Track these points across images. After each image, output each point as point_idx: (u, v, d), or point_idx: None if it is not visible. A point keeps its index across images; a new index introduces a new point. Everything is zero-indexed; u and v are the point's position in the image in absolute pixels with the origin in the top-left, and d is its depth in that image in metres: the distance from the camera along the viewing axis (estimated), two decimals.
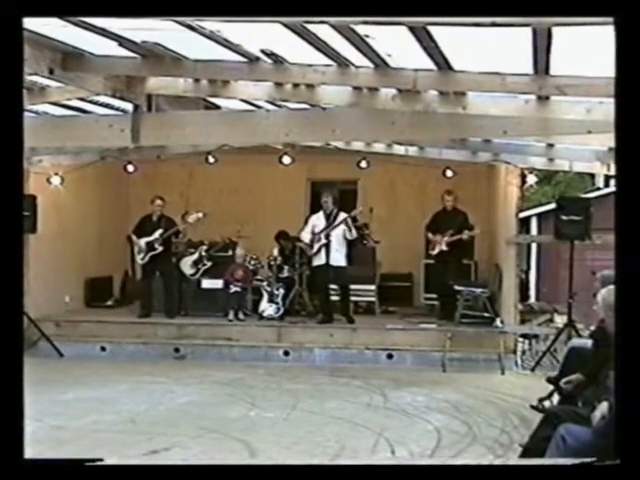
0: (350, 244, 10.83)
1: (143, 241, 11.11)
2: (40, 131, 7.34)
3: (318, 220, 10.84)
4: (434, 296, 11.67)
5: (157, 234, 11.05)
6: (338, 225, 10.56)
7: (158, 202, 11.26)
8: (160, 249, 11.07)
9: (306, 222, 11.14)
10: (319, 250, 10.60)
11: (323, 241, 10.55)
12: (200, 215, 11.09)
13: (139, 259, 11.26)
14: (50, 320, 10.82)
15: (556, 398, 6.09)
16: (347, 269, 10.77)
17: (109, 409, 7.47)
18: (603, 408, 3.98)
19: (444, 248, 10.84)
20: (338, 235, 10.58)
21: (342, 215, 10.73)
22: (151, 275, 11.35)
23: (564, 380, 5.60)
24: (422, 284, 12.21)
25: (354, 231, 10.66)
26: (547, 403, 6.18)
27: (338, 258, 10.58)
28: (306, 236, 10.84)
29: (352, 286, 11.23)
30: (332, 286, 10.89)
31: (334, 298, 10.94)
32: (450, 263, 10.89)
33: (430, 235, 11.14)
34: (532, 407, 6.68)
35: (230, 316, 10.81)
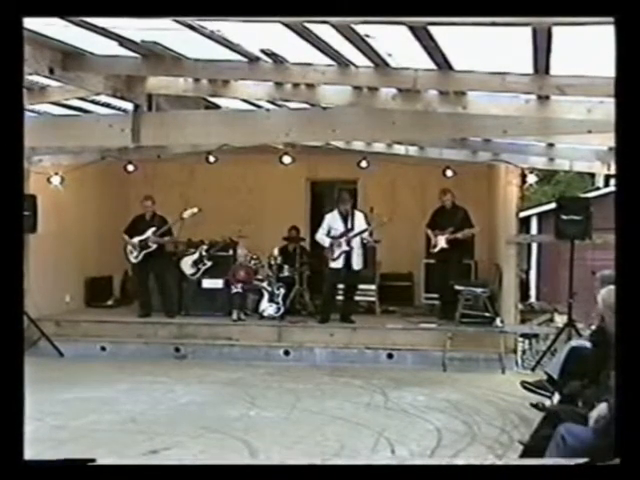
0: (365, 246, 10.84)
1: (136, 240, 11.13)
2: (40, 131, 7.34)
3: (334, 221, 10.75)
4: (434, 296, 11.67)
5: (150, 232, 11.07)
6: (360, 234, 10.55)
7: (146, 203, 11.32)
8: (154, 247, 11.09)
9: (317, 222, 11.05)
10: (339, 255, 10.56)
11: (345, 248, 10.51)
12: (195, 210, 11.08)
13: (132, 258, 11.27)
14: (50, 320, 10.83)
15: (557, 398, 6.10)
16: (362, 271, 10.80)
17: (109, 409, 7.47)
18: (601, 409, 3.98)
19: (444, 246, 10.83)
20: (357, 240, 10.59)
21: (358, 215, 10.72)
22: (146, 274, 11.36)
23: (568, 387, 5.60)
24: (422, 284, 12.22)
25: (372, 239, 10.71)
26: (547, 402, 6.19)
27: (358, 262, 10.60)
28: (324, 239, 10.73)
29: None
30: (339, 286, 10.92)
31: (338, 298, 10.96)
32: (451, 262, 10.88)
33: (430, 232, 11.13)
34: (532, 405, 6.70)
35: (234, 316, 10.81)
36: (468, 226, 10.89)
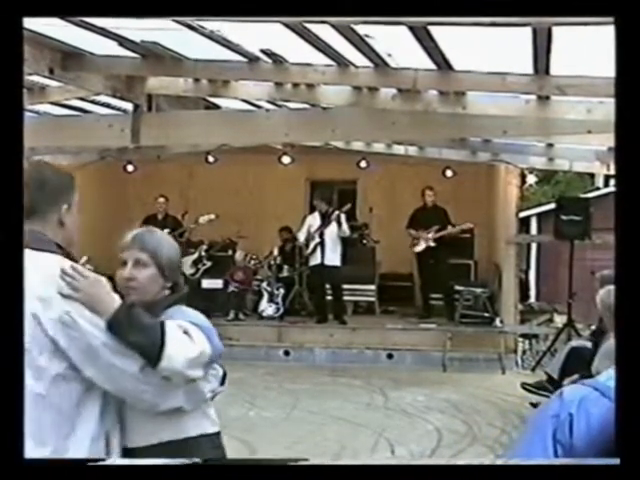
0: (345, 243, 10.83)
1: None
2: (40, 131, 7.33)
3: (314, 220, 10.86)
4: (435, 296, 11.62)
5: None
6: (330, 222, 10.57)
7: (160, 200, 11.29)
8: None
9: (303, 222, 11.16)
10: (314, 250, 10.61)
11: (317, 240, 10.57)
12: (212, 217, 11.07)
13: None
14: None
15: None
16: (341, 269, 10.77)
17: None
18: None
19: (431, 244, 10.79)
20: (332, 234, 10.59)
21: (342, 217, 10.75)
22: None
23: (567, 381, 5.61)
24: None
25: (345, 227, 10.67)
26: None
27: (332, 258, 10.59)
28: (301, 236, 10.90)
29: (352, 286, 11.24)
30: (327, 285, 10.92)
31: (328, 298, 10.96)
32: (439, 261, 10.82)
33: (413, 231, 11.06)
34: (532, 405, 6.70)
35: (230, 316, 10.81)
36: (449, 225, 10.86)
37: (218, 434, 2.49)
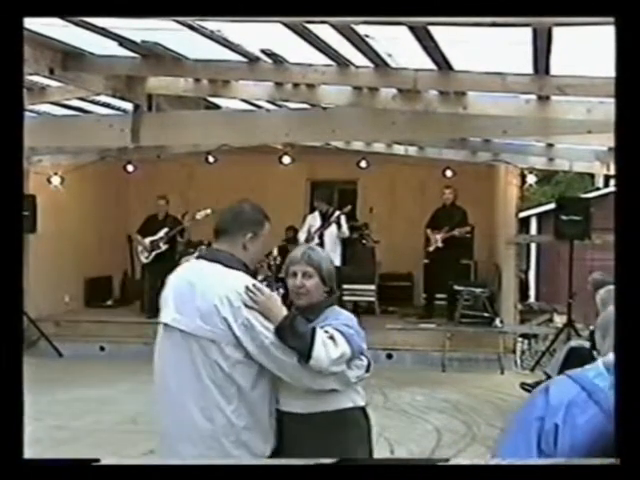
0: (345, 243, 10.82)
1: (148, 240, 11.10)
2: (40, 131, 7.34)
3: (314, 220, 10.85)
4: (435, 296, 11.63)
5: (162, 233, 11.05)
6: (330, 224, 10.56)
7: (160, 202, 11.28)
8: (165, 248, 11.06)
9: (303, 222, 11.17)
10: None
11: (316, 240, 10.56)
12: (208, 212, 11.04)
13: (143, 258, 11.23)
14: (50, 320, 10.83)
15: None
16: (341, 269, 10.76)
17: (109, 409, 7.47)
18: None
19: (439, 245, 10.80)
20: (331, 234, 10.57)
21: (342, 217, 10.75)
22: (157, 275, 11.30)
23: None
24: (422, 284, 12.21)
25: (345, 228, 10.65)
26: None
27: (332, 258, 10.54)
28: (302, 236, 10.89)
29: (352, 286, 11.22)
30: None
31: None
32: (448, 261, 10.83)
33: (429, 232, 11.09)
34: None
35: None
36: (465, 227, 10.87)
37: (365, 407, 3.16)
